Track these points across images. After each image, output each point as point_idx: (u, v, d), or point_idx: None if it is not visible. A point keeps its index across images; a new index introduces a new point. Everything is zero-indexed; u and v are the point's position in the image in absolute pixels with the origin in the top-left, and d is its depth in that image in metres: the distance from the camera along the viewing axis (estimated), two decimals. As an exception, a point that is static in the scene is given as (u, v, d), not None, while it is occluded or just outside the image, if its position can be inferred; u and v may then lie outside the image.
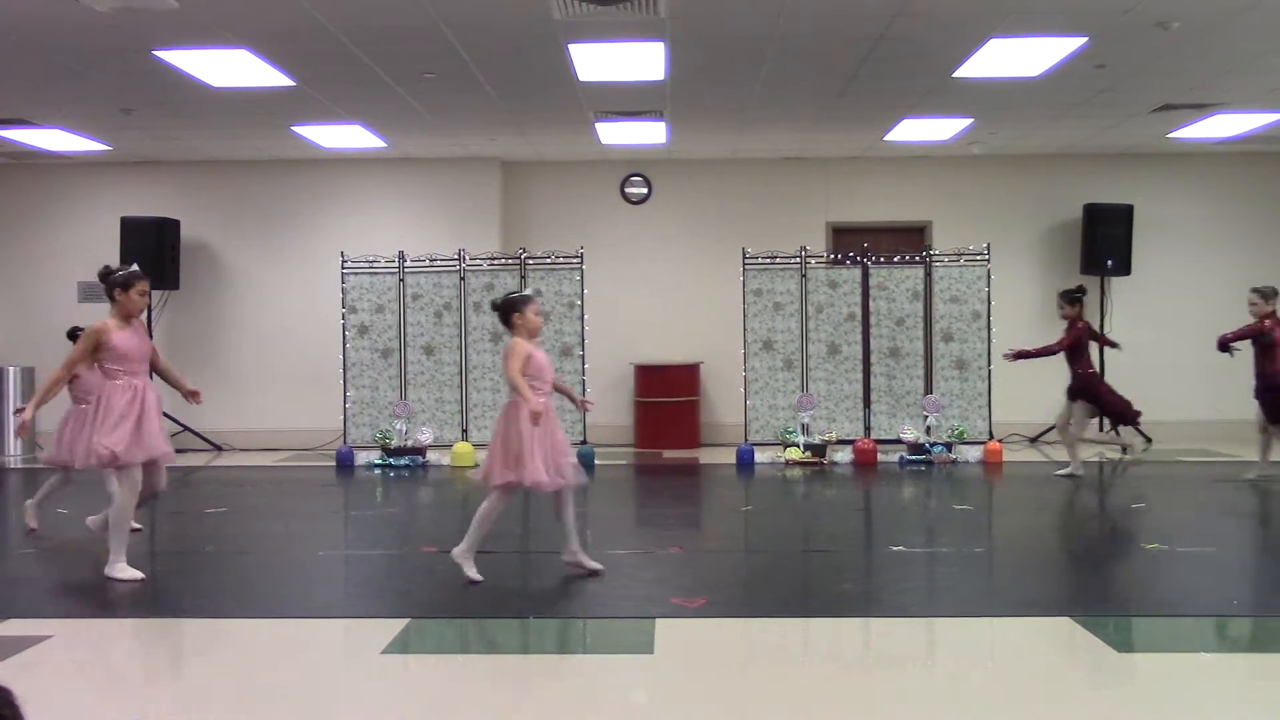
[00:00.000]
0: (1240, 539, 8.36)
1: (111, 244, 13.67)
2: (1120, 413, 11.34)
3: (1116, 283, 14.12)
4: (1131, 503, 10.18)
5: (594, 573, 7.06)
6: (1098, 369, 11.94)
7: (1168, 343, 14.33)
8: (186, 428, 13.71)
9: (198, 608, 6.57)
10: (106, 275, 7.18)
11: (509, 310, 6.93)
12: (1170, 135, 12.95)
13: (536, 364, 6.82)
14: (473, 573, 6.88)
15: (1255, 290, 10.58)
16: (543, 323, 6.95)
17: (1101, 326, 13.91)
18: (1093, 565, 7.76)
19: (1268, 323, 10.33)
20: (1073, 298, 11.34)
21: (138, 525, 8.66)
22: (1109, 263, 13.79)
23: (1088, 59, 9.41)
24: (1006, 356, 11.42)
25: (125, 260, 13.44)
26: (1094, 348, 11.76)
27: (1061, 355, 11.30)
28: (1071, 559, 7.91)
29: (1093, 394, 11.25)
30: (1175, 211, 14.41)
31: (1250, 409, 10.79)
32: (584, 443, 12.64)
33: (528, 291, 7.06)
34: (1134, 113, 11.71)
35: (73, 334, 8.99)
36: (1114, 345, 11.86)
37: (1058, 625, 5.95)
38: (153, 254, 13.53)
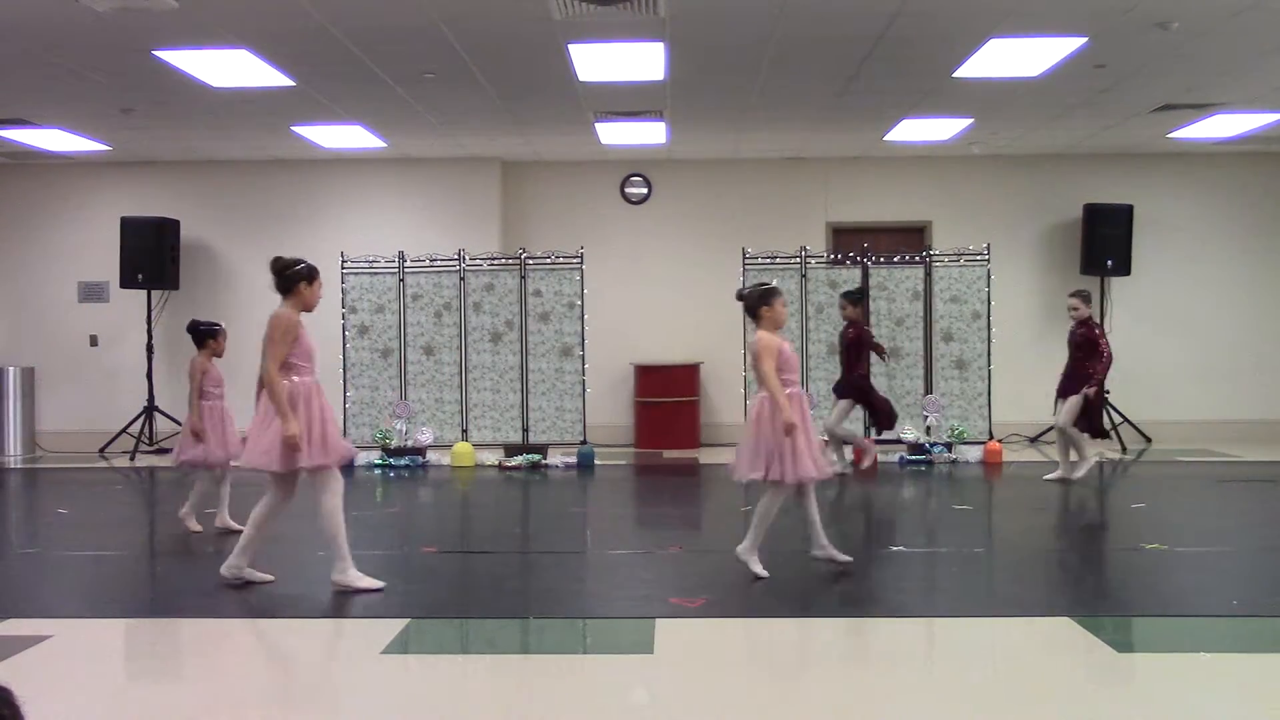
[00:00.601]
0: (1239, 539, 8.35)
1: (111, 244, 13.69)
2: (886, 415, 11.40)
3: (1117, 283, 14.12)
4: (1131, 503, 10.18)
5: (843, 565, 6.99)
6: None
7: (1168, 342, 14.33)
8: (186, 428, 13.71)
9: (198, 608, 6.57)
10: (288, 266, 6.66)
11: (758, 303, 6.90)
12: (1170, 135, 12.95)
13: (785, 358, 6.80)
14: (758, 569, 6.88)
15: (1076, 294, 10.78)
16: (784, 311, 6.96)
17: (1101, 325, 13.91)
18: (1092, 565, 7.76)
19: (1097, 331, 10.66)
20: (854, 298, 11.35)
21: (197, 527, 8.64)
22: (1109, 263, 13.79)
23: (1088, 59, 9.41)
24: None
25: (125, 259, 13.47)
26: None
27: (838, 354, 11.52)
28: (1071, 559, 7.90)
29: (864, 398, 11.30)
30: (1175, 211, 14.40)
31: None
32: (584, 443, 12.65)
33: (773, 284, 7.00)
34: (1134, 113, 11.71)
35: (193, 328, 8.84)
36: (882, 354, 11.76)
37: (1057, 625, 5.95)
38: (152, 254, 13.55)
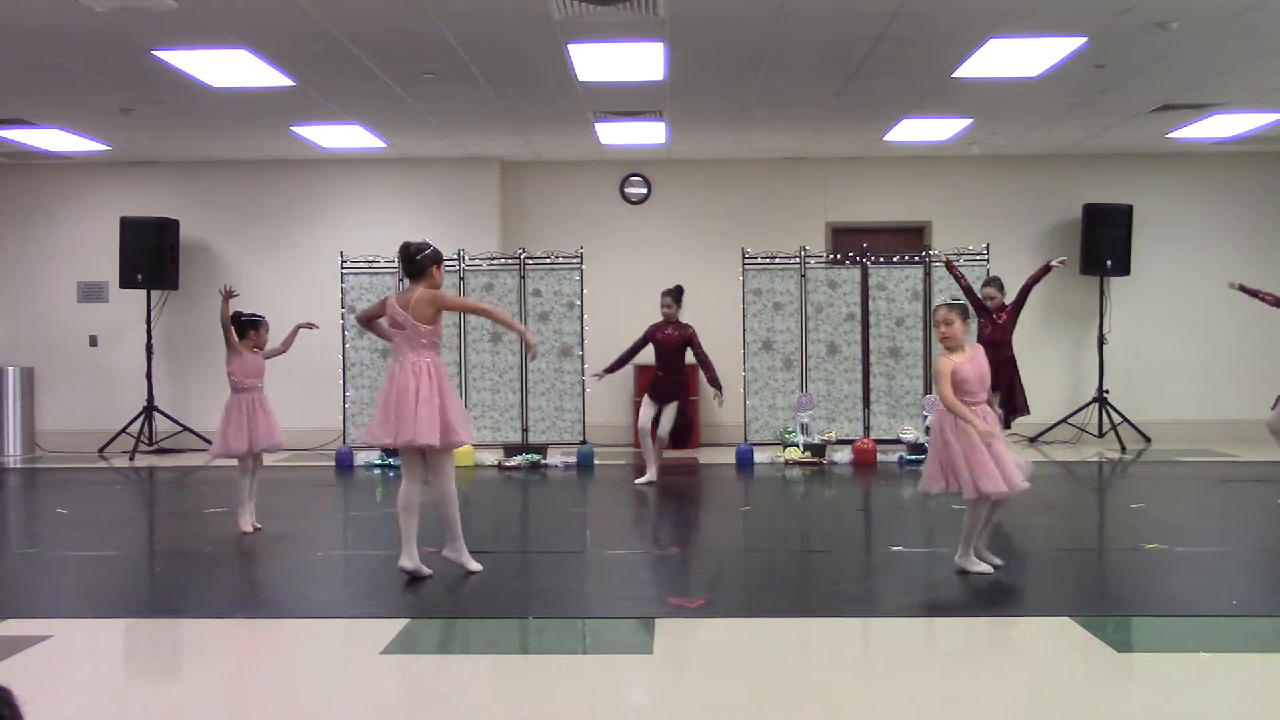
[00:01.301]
0: (1239, 539, 8.36)
1: (111, 244, 13.69)
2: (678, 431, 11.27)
3: (1116, 283, 14.12)
4: (1131, 503, 10.19)
5: (995, 567, 7.02)
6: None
7: (1167, 342, 14.34)
8: (186, 427, 13.73)
9: (197, 608, 6.58)
10: (420, 251, 6.92)
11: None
12: (1169, 135, 12.95)
13: (960, 377, 6.81)
14: (980, 567, 6.94)
15: (995, 285, 10.91)
16: (948, 330, 6.88)
17: (1101, 326, 13.94)
18: (1092, 565, 7.76)
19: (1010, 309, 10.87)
20: (677, 295, 10.99)
21: (248, 527, 8.62)
22: (1109, 263, 13.79)
23: (1087, 59, 9.41)
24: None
25: (125, 259, 13.47)
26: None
27: (653, 354, 11.08)
28: (1071, 559, 7.91)
29: (684, 401, 11.16)
30: (1174, 211, 14.40)
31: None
32: (584, 443, 12.66)
33: (943, 303, 7.06)
34: (1133, 113, 11.71)
35: (235, 319, 8.74)
36: (718, 388, 11.02)
37: (1057, 625, 5.95)
38: (152, 254, 13.55)
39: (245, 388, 8.68)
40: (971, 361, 6.87)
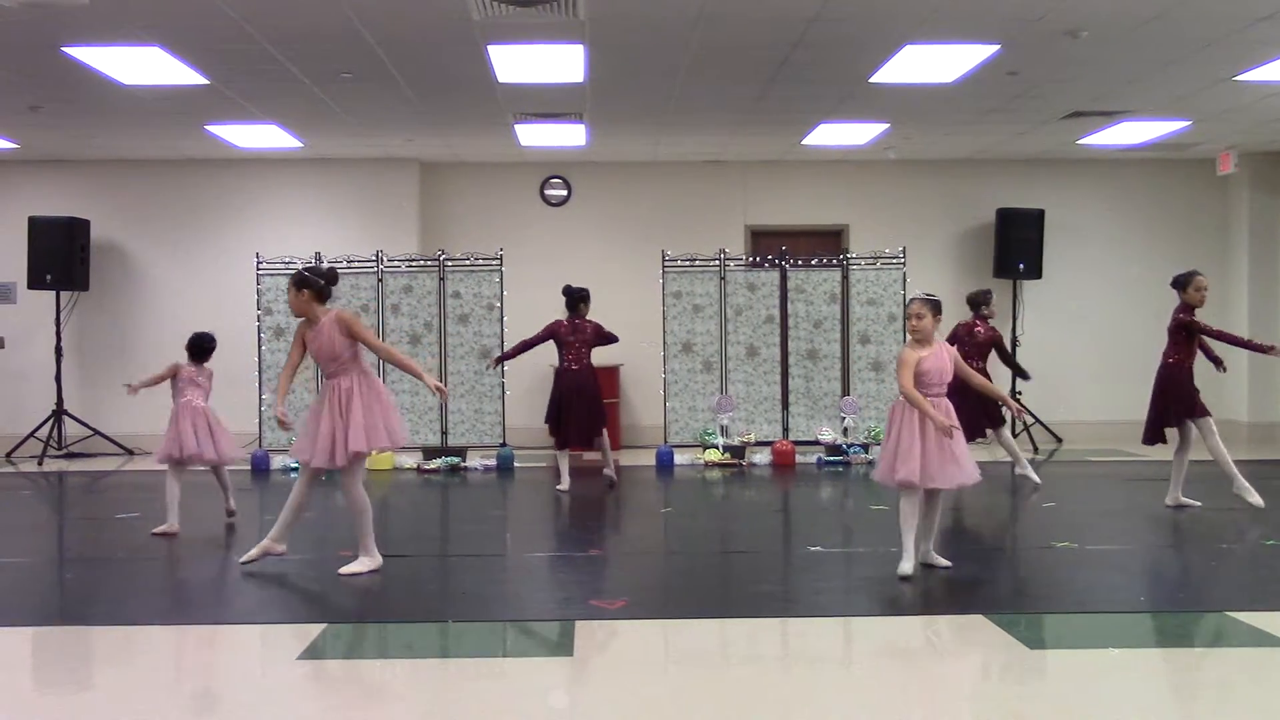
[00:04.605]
0: (1146, 536, 8.55)
1: (19, 245, 13.38)
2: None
3: (1028, 285, 14.37)
4: (1042, 502, 10.37)
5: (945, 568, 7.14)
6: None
7: (1078, 344, 14.62)
8: (97, 431, 13.46)
9: (109, 615, 6.46)
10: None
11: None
12: (1079, 141, 13.21)
13: (921, 370, 6.93)
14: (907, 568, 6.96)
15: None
16: (919, 324, 7.04)
17: (1014, 329, 14.18)
18: (1005, 563, 7.90)
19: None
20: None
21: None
22: (1021, 266, 14.04)
23: (1000, 66, 9.58)
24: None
25: (33, 259, 13.17)
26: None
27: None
28: (984, 557, 8.04)
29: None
30: (1084, 216, 14.70)
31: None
32: (503, 445, 12.61)
33: (916, 295, 7.20)
34: (1045, 119, 11.94)
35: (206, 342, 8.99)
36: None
37: (971, 623, 6.05)
38: (62, 255, 13.26)
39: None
40: (935, 357, 7.00)
